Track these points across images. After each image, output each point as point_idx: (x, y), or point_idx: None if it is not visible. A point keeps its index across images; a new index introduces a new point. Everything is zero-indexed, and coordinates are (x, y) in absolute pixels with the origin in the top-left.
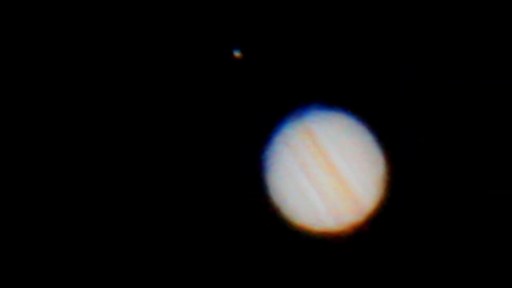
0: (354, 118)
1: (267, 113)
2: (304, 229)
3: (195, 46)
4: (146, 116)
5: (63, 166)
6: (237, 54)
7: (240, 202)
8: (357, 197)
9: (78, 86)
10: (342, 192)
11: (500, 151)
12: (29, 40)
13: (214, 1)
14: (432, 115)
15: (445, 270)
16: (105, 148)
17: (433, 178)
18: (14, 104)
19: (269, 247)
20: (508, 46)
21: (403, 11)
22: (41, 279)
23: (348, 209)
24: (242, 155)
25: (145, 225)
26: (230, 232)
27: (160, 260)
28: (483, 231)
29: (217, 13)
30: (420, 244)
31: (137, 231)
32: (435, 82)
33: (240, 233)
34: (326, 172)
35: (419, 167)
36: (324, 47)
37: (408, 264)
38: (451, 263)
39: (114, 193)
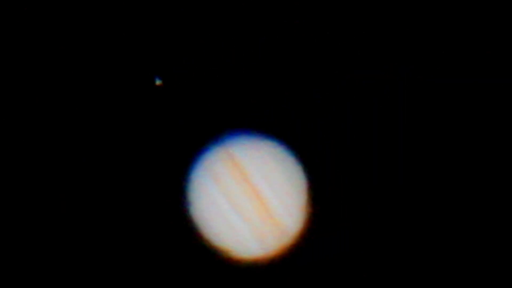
0: (277, 144)
1: (190, 140)
2: (228, 255)
3: (120, 76)
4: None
5: (63, 166)
6: (158, 82)
7: (163, 227)
8: (280, 223)
9: (77, 86)
10: (265, 217)
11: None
12: (29, 40)
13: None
14: (350, 138)
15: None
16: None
17: (358, 203)
18: (14, 104)
19: (193, 273)
20: (508, 46)
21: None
22: (41, 279)
23: (272, 234)
24: (165, 182)
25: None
26: (153, 261)
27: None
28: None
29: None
30: (346, 269)
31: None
32: (358, 103)
33: (164, 260)
34: (250, 198)
35: (340, 192)
36: (240, 70)
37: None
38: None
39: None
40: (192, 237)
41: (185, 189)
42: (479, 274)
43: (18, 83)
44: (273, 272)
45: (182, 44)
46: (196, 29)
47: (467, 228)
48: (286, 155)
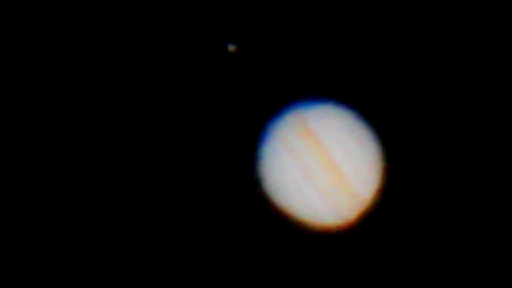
0: (352, 112)
1: (264, 109)
2: (302, 225)
3: (190, 41)
4: (144, 113)
5: (63, 166)
6: (231, 48)
7: (237, 200)
8: (355, 192)
9: (77, 85)
10: (340, 187)
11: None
12: (29, 40)
13: None
14: (431, 109)
15: (448, 265)
16: (102, 146)
17: (431, 171)
18: (14, 104)
19: (267, 244)
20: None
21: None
22: (41, 279)
23: (347, 204)
24: (239, 152)
25: (142, 225)
26: (228, 230)
27: (159, 260)
28: (488, 226)
29: (213, 6)
30: (419, 239)
31: (135, 231)
32: (435, 76)
33: (238, 231)
34: (324, 167)
35: (417, 161)
36: (319, 40)
37: (407, 259)
38: (453, 258)
39: (111, 192)
40: (267, 207)
41: (258, 158)
42: (479, 274)
43: (18, 83)
44: (347, 241)
45: (256, 9)
46: None
47: (465, 224)
48: (360, 122)
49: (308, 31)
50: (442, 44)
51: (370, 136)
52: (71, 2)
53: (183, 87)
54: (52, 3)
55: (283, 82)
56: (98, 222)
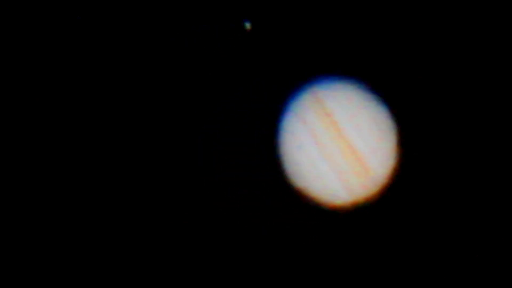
0: (368, 92)
1: (280, 86)
2: (316, 202)
3: (206, 18)
4: (156, 91)
5: (63, 166)
6: (247, 26)
7: (253, 176)
8: (370, 169)
9: (76, 85)
10: (355, 164)
11: None
12: (29, 40)
13: None
14: (448, 89)
15: (459, 242)
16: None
17: (446, 152)
18: (14, 104)
19: (281, 220)
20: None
21: None
22: (41, 279)
23: (361, 181)
24: (254, 129)
25: (150, 198)
26: (242, 205)
27: (166, 231)
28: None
29: None
30: (433, 218)
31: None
32: (451, 56)
33: (253, 207)
34: (339, 145)
35: (432, 138)
36: (337, 18)
37: (419, 238)
38: (465, 237)
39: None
40: (284, 185)
41: (275, 135)
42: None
43: (19, 83)
44: (360, 219)
45: None
46: None
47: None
48: (376, 102)
49: (329, 11)
50: (466, 24)
51: (386, 115)
52: (71, 2)
53: (199, 68)
54: (52, 3)
55: (301, 61)
56: (98, 221)
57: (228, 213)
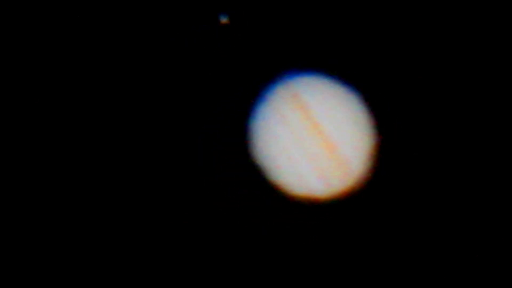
0: (343, 84)
1: (256, 80)
2: (292, 195)
3: (183, 13)
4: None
5: (63, 166)
6: (224, 20)
7: (228, 170)
8: (346, 162)
9: (76, 85)
10: (331, 157)
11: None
12: (29, 40)
13: None
14: (423, 80)
15: (435, 236)
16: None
17: (422, 143)
18: (14, 104)
19: (257, 215)
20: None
21: None
22: (41, 279)
23: (337, 174)
24: (229, 122)
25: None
26: (220, 199)
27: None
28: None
29: None
30: (409, 211)
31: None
32: (426, 45)
33: (230, 201)
34: (315, 138)
35: (409, 132)
36: (313, 11)
37: (397, 230)
38: (441, 230)
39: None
40: (257, 176)
41: (250, 128)
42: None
43: (19, 83)
44: (337, 212)
45: None
46: None
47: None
48: (352, 94)
49: (307, 5)
50: (435, 16)
51: (361, 107)
52: (71, 2)
53: (176, 60)
54: (52, 3)
55: (275, 53)
56: (98, 221)
57: (228, 213)
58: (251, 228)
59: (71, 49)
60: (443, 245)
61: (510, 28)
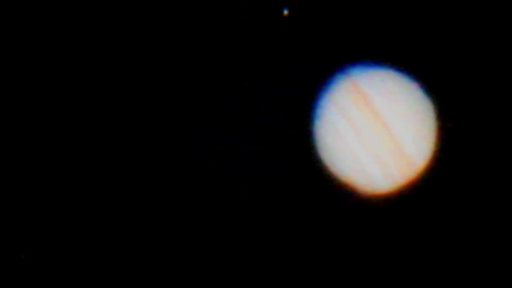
0: (407, 77)
1: (316, 72)
2: (355, 189)
3: (206, 18)
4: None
5: (63, 166)
6: (286, 12)
7: (290, 163)
8: (409, 156)
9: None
10: (393, 151)
11: None
12: (29, 40)
13: None
14: (488, 74)
15: (497, 223)
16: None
17: (486, 138)
18: (14, 104)
19: (318, 208)
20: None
21: None
22: (41, 279)
23: (400, 168)
24: (291, 115)
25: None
26: (283, 194)
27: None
28: None
29: None
30: (474, 202)
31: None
32: (489, 41)
33: (293, 195)
34: (378, 132)
35: (472, 127)
36: (374, 3)
37: (461, 222)
38: (503, 222)
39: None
40: (319, 171)
41: (312, 122)
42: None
43: (18, 83)
44: (400, 207)
45: None
46: None
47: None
48: (415, 87)
49: None
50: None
51: (425, 101)
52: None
53: (199, 68)
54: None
55: (338, 46)
56: (98, 221)
57: (228, 213)
58: (314, 222)
59: (71, 49)
60: (504, 239)
61: None
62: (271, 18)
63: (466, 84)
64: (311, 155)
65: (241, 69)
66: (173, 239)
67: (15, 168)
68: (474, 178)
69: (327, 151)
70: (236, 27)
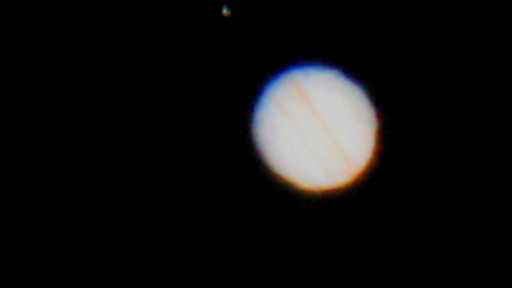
0: (346, 75)
1: (259, 72)
2: (295, 187)
3: (185, 5)
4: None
5: (63, 166)
6: (225, 11)
7: (230, 162)
8: (348, 155)
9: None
10: (333, 149)
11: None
12: (29, 40)
13: None
14: (425, 72)
15: (437, 227)
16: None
17: (425, 135)
18: (14, 104)
19: (260, 205)
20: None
21: None
22: (41, 279)
23: (340, 166)
24: (231, 114)
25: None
26: (222, 192)
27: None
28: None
29: None
30: (412, 203)
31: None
32: (428, 40)
33: (232, 192)
34: (318, 130)
35: (411, 124)
36: (315, 3)
37: (398, 223)
38: (443, 222)
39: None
40: (259, 168)
41: (252, 120)
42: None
43: (18, 83)
44: (339, 203)
45: None
46: None
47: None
48: (353, 86)
49: None
50: (442, 11)
51: (364, 99)
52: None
53: (177, 52)
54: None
55: (278, 45)
56: (98, 221)
57: (228, 213)
58: (252, 227)
59: (71, 49)
60: (443, 241)
61: None
62: (213, 18)
63: (404, 84)
64: (251, 153)
65: (178, 68)
66: (173, 239)
67: (15, 168)
68: (412, 175)
69: (267, 149)
70: (175, 27)
